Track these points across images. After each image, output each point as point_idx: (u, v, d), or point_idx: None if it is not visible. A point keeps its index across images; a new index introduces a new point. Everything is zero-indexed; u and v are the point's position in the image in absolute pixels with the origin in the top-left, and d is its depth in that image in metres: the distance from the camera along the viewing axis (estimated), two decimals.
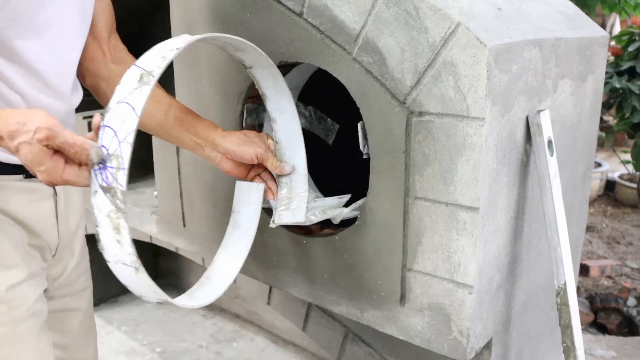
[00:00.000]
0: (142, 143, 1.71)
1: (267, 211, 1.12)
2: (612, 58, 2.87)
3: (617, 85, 2.56)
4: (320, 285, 1.13)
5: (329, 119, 1.30)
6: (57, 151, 0.72)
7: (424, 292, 0.98)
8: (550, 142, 1.01)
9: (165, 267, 2.71)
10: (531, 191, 1.07)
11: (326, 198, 1.09)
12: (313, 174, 1.18)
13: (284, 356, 2.14)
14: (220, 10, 1.14)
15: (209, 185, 1.29)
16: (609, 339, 2.27)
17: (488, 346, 1.06)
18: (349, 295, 1.09)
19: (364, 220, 1.03)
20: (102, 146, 0.70)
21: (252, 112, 1.20)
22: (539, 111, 1.00)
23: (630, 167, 3.58)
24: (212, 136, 1.01)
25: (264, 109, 1.24)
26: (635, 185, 3.89)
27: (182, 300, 0.86)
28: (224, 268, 1.01)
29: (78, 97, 1.02)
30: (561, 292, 1.04)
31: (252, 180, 1.07)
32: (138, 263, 0.71)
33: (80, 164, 0.73)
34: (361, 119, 1.00)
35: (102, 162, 0.70)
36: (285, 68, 1.12)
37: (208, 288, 0.96)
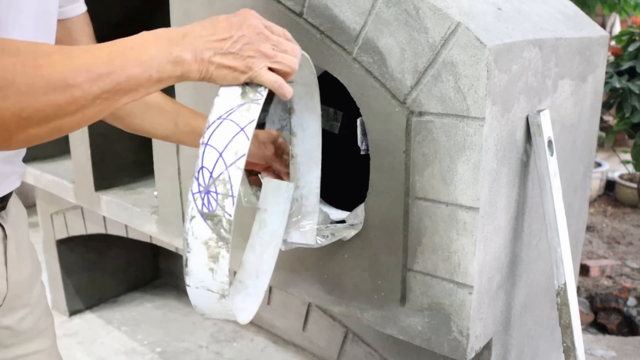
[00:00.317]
0: (142, 143, 1.71)
1: None
2: (612, 58, 2.87)
3: (617, 85, 2.56)
4: (320, 285, 1.13)
5: (330, 109, 1.29)
6: None
7: (424, 292, 0.98)
8: (550, 142, 1.01)
9: (165, 267, 2.71)
10: (531, 191, 1.07)
11: (338, 225, 1.06)
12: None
13: (284, 356, 2.14)
14: (220, 10, 1.14)
15: None
16: (609, 339, 2.27)
17: (488, 346, 1.06)
18: (349, 295, 1.09)
19: (364, 220, 1.03)
20: (204, 167, 0.64)
21: None
22: (539, 111, 1.00)
23: (630, 167, 3.58)
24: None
25: (265, 109, 1.24)
26: (635, 185, 3.89)
27: (240, 316, 0.80)
28: (255, 270, 0.96)
29: None
30: (561, 292, 1.04)
31: (264, 171, 1.06)
32: (227, 291, 0.66)
33: None
34: (360, 116, 1.00)
35: (205, 186, 0.64)
36: None
37: (245, 294, 0.91)
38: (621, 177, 4.16)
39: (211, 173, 0.63)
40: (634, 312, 2.53)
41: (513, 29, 0.93)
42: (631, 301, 2.61)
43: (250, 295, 0.91)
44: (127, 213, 1.71)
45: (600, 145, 3.75)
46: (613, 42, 2.97)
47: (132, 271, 2.56)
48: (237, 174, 0.63)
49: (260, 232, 1.00)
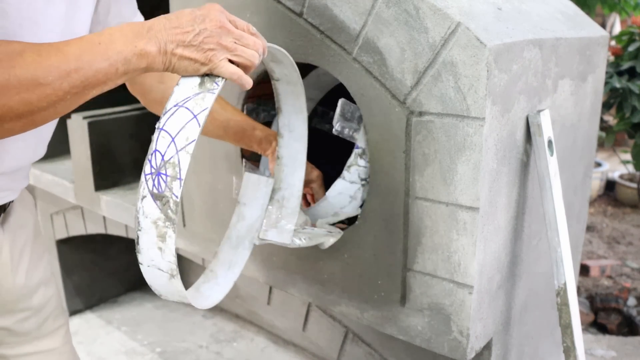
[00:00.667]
0: (142, 143, 1.71)
1: None
2: (612, 58, 2.87)
3: (617, 85, 2.56)
4: (320, 285, 1.13)
5: (331, 112, 1.29)
6: None
7: (424, 292, 0.98)
8: (550, 142, 1.01)
9: None
10: (531, 191, 1.07)
11: (315, 228, 1.07)
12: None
13: (284, 356, 2.14)
14: None
15: (209, 185, 1.29)
16: (609, 339, 2.27)
17: (488, 346, 1.06)
18: (348, 295, 1.09)
19: (364, 220, 1.03)
20: (157, 151, 0.67)
21: (251, 111, 1.20)
22: (539, 111, 1.00)
23: (630, 167, 3.58)
24: (274, 145, 1.05)
25: (264, 109, 1.24)
26: (635, 185, 3.89)
27: (196, 301, 0.83)
28: (228, 261, 0.99)
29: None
30: (561, 292, 1.04)
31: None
32: (176, 271, 0.70)
33: None
34: (350, 100, 1.01)
35: (156, 168, 0.67)
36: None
37: (214, 283, 0.94)
38: (621, 177, 4.16)
39: (163, 156, 0.66)
40: (634, 312, 2.53)
41: (513, 29, 0.93)
42: (631, 301, 2.61)
43: (218, 284, 0.94)
44: (127, 213, 1.71)
45: (600, 145, 3.75)
46: (613, 42, 2.97)
47: (132, 271, 2.56)
48: (186, 158, 0.66)
49: (238, 225, 1.02)
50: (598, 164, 4.20)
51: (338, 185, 1.04)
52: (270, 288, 1.48)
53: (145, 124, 1.90)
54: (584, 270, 2.89)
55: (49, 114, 0.64)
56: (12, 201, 0.89)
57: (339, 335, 1.32)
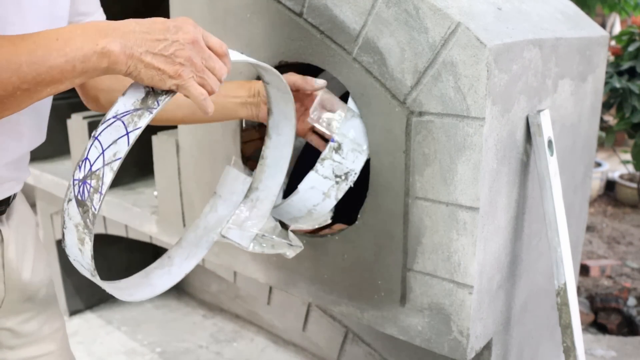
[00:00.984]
0: (142, 143, 1.71)
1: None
2: (612, 58, 2.87)
3: (617, 85, 2.56)
4: (320, 285, 1.13)
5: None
6: None
7: (424, 292, 0.98)
8: (550, 142, 1.01)
9: None
10: (531, 191, 1.07)
11: (275, 238, 1.04)
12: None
13: (284, 356, 2.14)
14: (220, 10, 1.14)
15: (209, 185, 1.29)
16: (609, 339, 2.27)
17: (488, 346, 1.06)
18: (349, 295, 1.09)
19: (364, 220, 1.03)
20: (87, 159, 0.66)
21: None
22: (539, 111, 1.00)
23: (630, 167, 3.58)
24: (256, 87, 1.00)
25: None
26: (635, 185, 3.89)
27: (120, 292, 0.84)
28: (187, 251, 0.98)
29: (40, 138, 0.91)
30: (561, 292, 1.04)
31: (304, 136, 1.07)
32: (95, 272, 0.72)
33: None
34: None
35: (83, 175, 0.67)
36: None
37: (166, 271, 0.93)
38: (621, 177, 4.16)
39: (91, 166, 0.66)
40: (634, 312, 2.52)
41: (513, 29, 0.93)
42: (631, 301, 2.60)
43: (170, 274, 0.94)
44: (127, 213, 1.71)
45: (600, 145, 3.75)
46: (613, 42, 2.97)
47: (132, 271, 2.55)
48: (109, 175, 0.65)
49: (209, 216, 1.01)
50: (598, 164, 4.20)
51: (310, 177, 1.00)
52: (270, 288, 1.48)
53: None
54: (584, 270, 2.89)
55: None
56: (16, 195, 0.89)
57: (339, 335, 1.32)
